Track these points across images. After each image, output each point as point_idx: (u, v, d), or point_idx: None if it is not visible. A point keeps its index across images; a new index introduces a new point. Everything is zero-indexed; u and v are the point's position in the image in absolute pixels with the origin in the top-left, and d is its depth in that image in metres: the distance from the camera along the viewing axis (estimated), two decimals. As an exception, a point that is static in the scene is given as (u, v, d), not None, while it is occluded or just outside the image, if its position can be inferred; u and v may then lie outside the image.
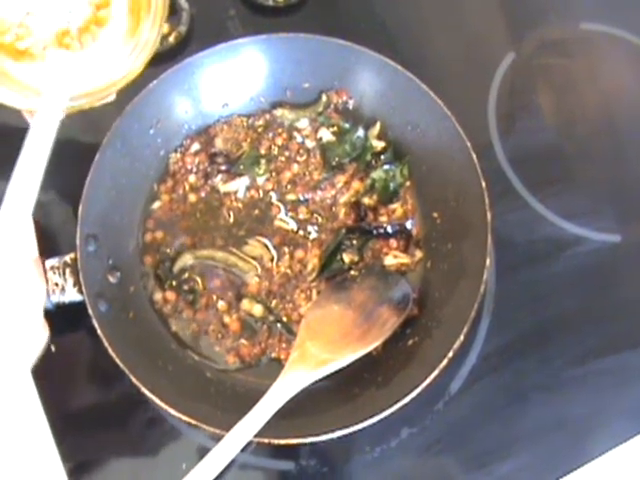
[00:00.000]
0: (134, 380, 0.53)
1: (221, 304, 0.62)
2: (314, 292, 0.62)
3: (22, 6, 0.56)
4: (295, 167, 0.68)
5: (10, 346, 0.48)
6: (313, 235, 0.65)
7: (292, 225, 0.66)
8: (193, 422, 0.52)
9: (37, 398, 0.58)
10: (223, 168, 0.67)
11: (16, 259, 0.50)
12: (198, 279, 0.63)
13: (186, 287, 0.63)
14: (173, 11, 0.75)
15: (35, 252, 0.52)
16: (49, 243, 0.65)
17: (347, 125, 0.69)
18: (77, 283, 0.56)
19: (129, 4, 0.58)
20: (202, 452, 0.55)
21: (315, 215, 0.66)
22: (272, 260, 0.64)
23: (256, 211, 0.66)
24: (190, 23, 0.76)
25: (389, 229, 0.64)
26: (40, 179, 0.52)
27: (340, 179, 0.67)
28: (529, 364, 0.63)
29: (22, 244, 0.50)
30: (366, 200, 0.66)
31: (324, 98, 0.70)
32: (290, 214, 0.66)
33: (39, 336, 0.51)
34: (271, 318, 0.62)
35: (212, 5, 0.79)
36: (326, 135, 0.69)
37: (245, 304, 0.62)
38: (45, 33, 0.56)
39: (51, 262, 0.57)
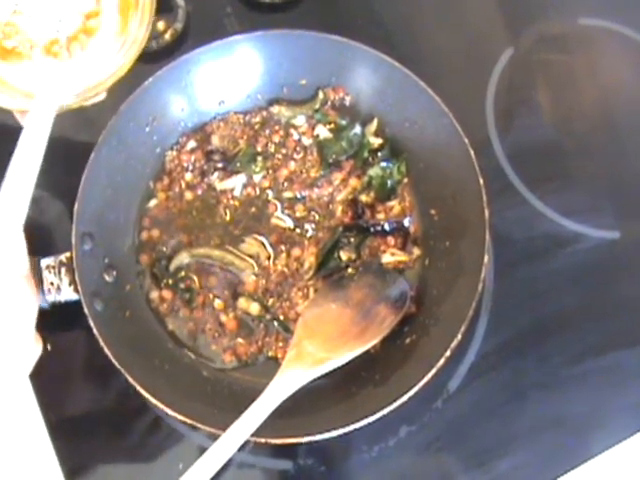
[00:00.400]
0: (130, 379, 0.53)
1: (218, 303, 0.62)
2: (311, 290, 0.62)
3: (9, 4, 0.55)
4: (292, 164, 0.67)
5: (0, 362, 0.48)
6: (310, 233, 0.65)
7: (289, 223, 0.65)
8: (189, 421, 0.51)
9: (36, 405, 0.58)
10: (219, 166, 0.67)
11: (5, 275, 0.48)
12: (194, 277, 0.63)
13: (182, 286, 0.62)
14: (169, 8, 0.75)
15: (26, 267, 0.50)
16: (44, 242, 0.65)
17: (344, 122, 0.69)
18: (73, 282, 0.56)
19: (118, 11, 0.57)
20: (199, 452, 0.55)
21: (312, 213, 0.66)
22: (269, 258, 0.63)
23: (253, 209, 0.66)
24: (186, 20, 0.75)
25: (386, 227, 0.64)
26: (31, 191, 0.50)
27: (337, 176, 0.66)
28: (528, 362, 0.63)
29: (12, 259, 0.49)
30: (363, 197, 0.66)
31: (321, 95, 0.69)
32: (287, 212, 0.66)
33: (31, 351, 0.50)
34: (268, 316, 0.61)
35: (208, 2, 0.78)
36: (323, 132, 0.68)
37: (242, 302, 0.61)
38: (33, 34, 0.55)
39: (47, 261, 0.56)
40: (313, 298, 0.61)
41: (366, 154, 0.67)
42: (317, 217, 0.66)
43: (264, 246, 0.64)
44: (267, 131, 0.69)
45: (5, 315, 0.48)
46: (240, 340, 0.61)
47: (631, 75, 0.77)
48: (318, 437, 0.51)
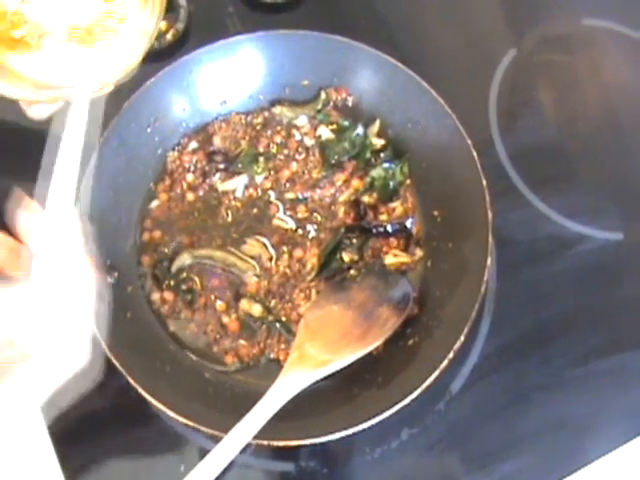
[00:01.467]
0: (131, 381, 0.52)
1: (219, 304, 0.62)
2: (313, 292, 0.62)
3: None
4: (294, 165, 0.67)
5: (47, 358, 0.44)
6: (312, 234, 0.65)
7: (291, 224, 0.65)
8: (191, 424, 0.51)
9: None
10: (221, 166, 0.67)
11: (68, 256, 0.46)
12: (196, 279, 0.63)
13: (184, 287, 0.62)
14: (171, 8, 0.75)
15: (81, 247, 0.48)
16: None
17: (346, 123, 0.68)
18: (74, 283, 0.55)
19: None
20: (201, 453, 0.55)
21: (314, 214, 0.65)
22: (271, 259, 0.63)
23: (255, 210, 0.66)
24: (188, 20, 0.75)
25: (389, 228, 0.64)
26: (77, 171, 0.49)
27: (339, 177, 0.66)
28: (530, 364, 0.62)
29: (71, 241, 0.47)
30: (366, 198, 0.65)
31: (323, 95, 0.69)
32: (289, 213, 0.65)
33: (82, 354, 0.46)
34: (270, 318, 0.61)
35: (210, 2, 0.78)
36: (325, 133, 0.68)
37: (244, 304, 0.61)
38: (46, 22, 0.55)
39: (47, 262, 0.56)
40: (315, 300, 0.61)
41: (368, 155, 0.67)
42: (319, 218, 0.65)
43: (266, 247, 0.64)
44: (269, 132, 0.68)
45: (68, 298, 0.44)
46: (242, 342, 0.60)
47: (635, 76, 0.77)
48: (320, 439, 0.51)
